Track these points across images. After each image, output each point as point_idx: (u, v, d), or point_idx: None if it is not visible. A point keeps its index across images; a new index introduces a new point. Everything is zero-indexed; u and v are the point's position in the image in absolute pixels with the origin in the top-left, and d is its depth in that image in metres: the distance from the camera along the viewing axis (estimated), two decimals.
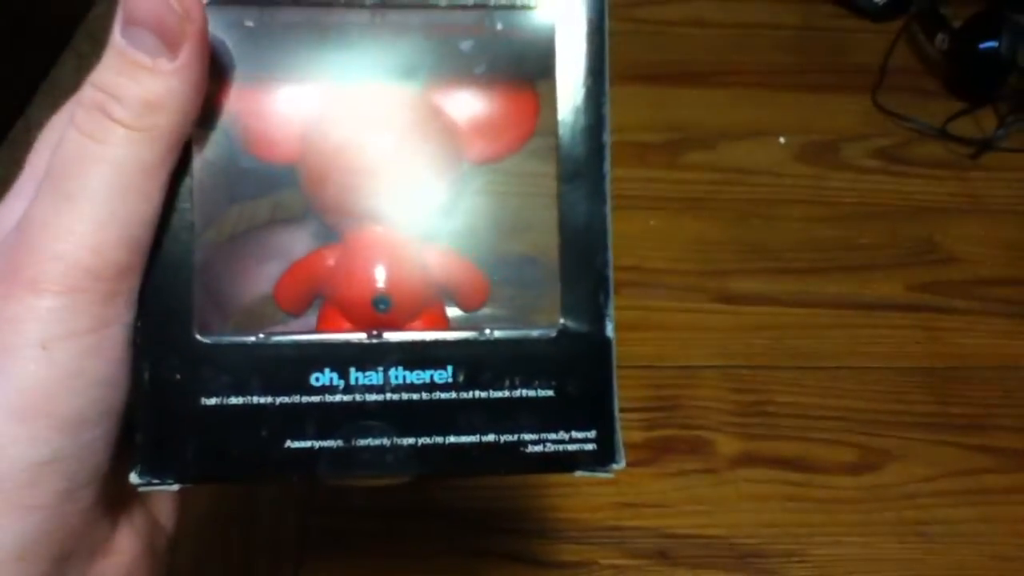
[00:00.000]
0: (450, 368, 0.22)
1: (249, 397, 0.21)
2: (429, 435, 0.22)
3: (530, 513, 0.45)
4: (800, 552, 0.44)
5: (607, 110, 0.22)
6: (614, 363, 0.22)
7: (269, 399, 0.21)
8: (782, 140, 0.62)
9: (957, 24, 0.64)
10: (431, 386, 0.22)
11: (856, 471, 0.47)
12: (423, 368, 0.22)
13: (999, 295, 0.55)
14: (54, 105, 0.22)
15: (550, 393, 0.22)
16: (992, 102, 0.64)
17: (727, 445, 0.48)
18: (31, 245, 0.19)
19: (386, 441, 0.22)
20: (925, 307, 0.54)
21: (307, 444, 0.21)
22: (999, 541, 0.45)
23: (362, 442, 0.21)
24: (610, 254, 0.22)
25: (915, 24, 0.68)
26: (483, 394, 0.22)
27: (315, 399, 0.21)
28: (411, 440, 0.22)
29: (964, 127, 0.62)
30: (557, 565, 0.43)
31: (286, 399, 0.21)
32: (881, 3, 0.69)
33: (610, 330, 0.22)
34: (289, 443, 0.21)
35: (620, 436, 0.22)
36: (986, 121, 0.63)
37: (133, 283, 0.20)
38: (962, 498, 0.46)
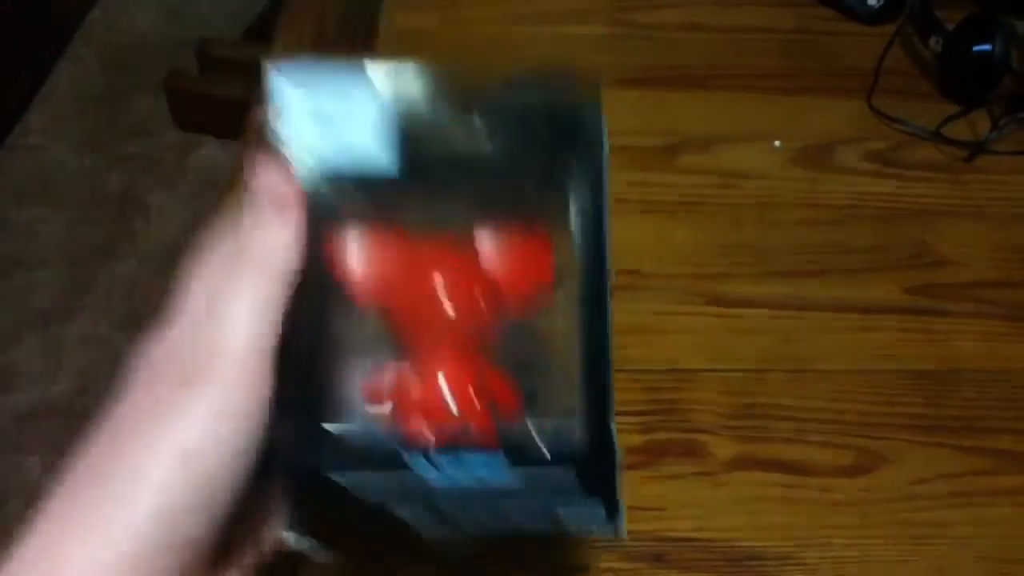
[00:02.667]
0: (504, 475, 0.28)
1: (359, 472, 0.28)
2: (486, 512, 0.30)
3: None
4: (796, 554, 0.45)
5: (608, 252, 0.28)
6: (617, 458, 0.28)
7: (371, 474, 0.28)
8: (777, 144, 0.62)
9: (950, 27, 0.65)
10: (484, 480, 0.28)
11: (851, 473, 0.47)
12: (476, 470, 0.28)
13: (993, 297, 0.55)
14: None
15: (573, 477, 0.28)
16: (986, 105, 0.64)
17: (723, 448, 0.48)
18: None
19: (454, 514, 0.29)
20: (919, 310, 0.54)
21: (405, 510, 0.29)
22: (994, 543, 0.45)
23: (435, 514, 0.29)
24: (611, 373, 0.28)
25: (909, 27, 0.68)
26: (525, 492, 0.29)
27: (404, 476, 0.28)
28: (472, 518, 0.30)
29: (958, 130, 0.63)
30: (554, 569, 0.44)
31: (382, 475, 0.28)
32: (875, 6, 0.69)
33: (613, 434, 0.28)
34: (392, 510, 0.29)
35: (623, 508, 0.29)
36: (980, 124, 0.63)
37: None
38: (957, 500, 0.47)
